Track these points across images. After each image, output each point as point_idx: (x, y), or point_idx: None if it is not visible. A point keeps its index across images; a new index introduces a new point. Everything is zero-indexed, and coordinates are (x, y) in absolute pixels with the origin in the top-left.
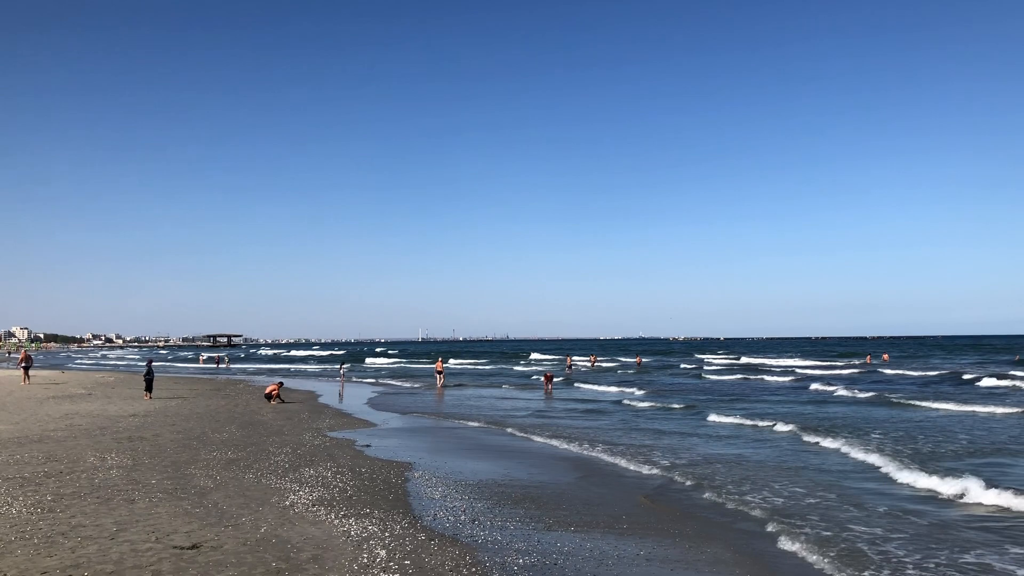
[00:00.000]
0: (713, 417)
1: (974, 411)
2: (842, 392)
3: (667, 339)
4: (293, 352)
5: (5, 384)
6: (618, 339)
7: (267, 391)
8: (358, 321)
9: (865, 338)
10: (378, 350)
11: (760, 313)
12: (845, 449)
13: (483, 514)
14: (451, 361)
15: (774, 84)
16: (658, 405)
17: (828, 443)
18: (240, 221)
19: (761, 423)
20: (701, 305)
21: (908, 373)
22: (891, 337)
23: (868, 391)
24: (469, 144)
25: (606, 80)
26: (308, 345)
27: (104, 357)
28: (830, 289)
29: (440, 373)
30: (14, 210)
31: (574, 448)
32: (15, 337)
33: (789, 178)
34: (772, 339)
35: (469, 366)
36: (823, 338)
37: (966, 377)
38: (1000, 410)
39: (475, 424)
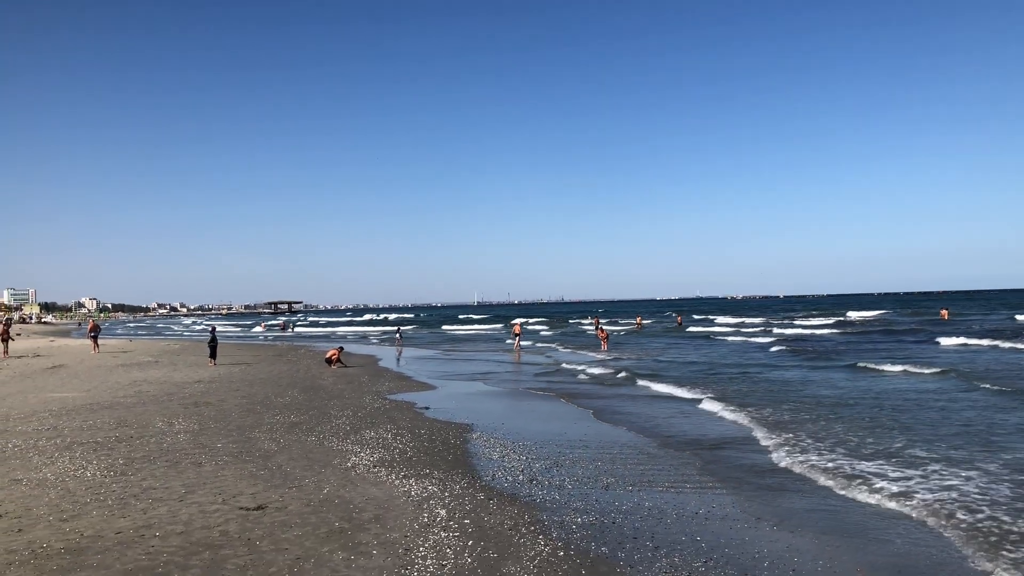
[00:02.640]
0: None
1: (903, 371)
2: (787, 353)
3: (725, 298)
4: (318, 318)
5: (77, 353)
6: (675, 299)
7: (327, 356)
8: (414, 286)
9: (934, 292)
10: (398, 316)
11: (836, 268)
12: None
13: (541, 474)
14: (464, 327)
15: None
16: (598, 372)
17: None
18: (298, 191)
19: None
20: (765, 262)
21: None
22: (969, 292)
23: (812, 352)
24: (520, 109)
25: (666, 40)
26: (365, 311)
27: (138, 326)
28: (918, 242)
29: (518, 335)
30: (82, 186)
31: (627, 410)
32: (85, 307)
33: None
34: (835, 295)
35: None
36: (887, 294)
37: (941, 338)
38: (927, 371)
39: (531, 386)
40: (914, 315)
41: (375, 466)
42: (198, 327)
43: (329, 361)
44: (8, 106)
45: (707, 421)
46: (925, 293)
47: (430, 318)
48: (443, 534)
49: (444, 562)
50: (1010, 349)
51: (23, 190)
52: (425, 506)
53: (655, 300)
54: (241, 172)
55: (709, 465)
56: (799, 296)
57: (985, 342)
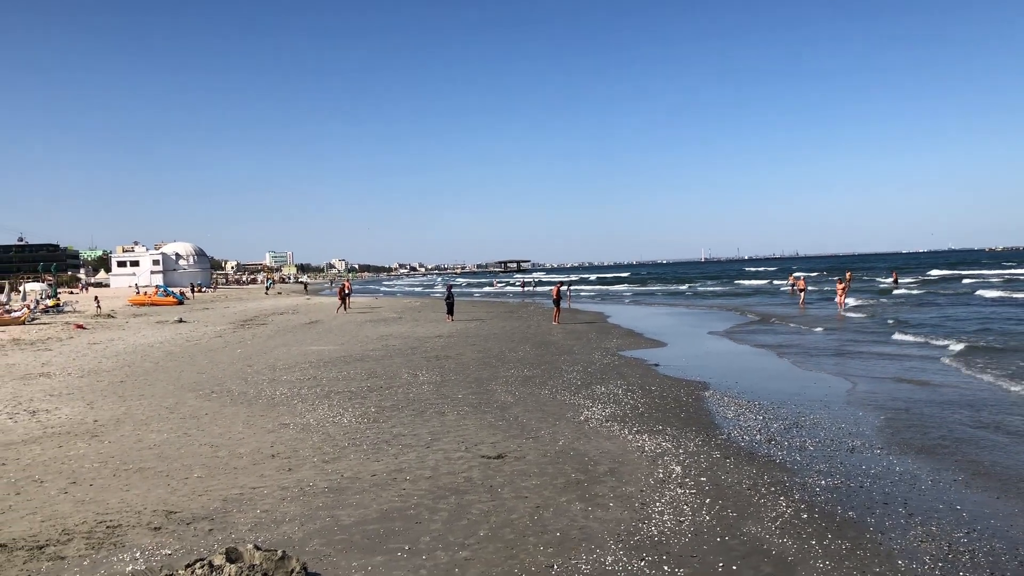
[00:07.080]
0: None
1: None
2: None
3: (981, 249)
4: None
5: (329, 310)
6: (922, 252)
7: (553, 295)
8: (637, 243)
9: None
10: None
11: None
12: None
13: (779, 434)
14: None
15: None
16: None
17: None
18: (527, 154)
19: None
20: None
21: None
22: None
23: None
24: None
25: None
26: (590, 269)
27: (380, 285)
28: None
29: (803, 291)
30: (334, 163)
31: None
32: (335, 268)
33: None
34: None
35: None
36: None
37: None
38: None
39: (765, 343)
40: None
41: (607, 420)
42: (438, 285)
43: (556, 303)
44: (287, 97)
45: (955, 378)
46: None
47: (656, 275)
48: (679, 491)
49: (681, 519)
50: None
51: (282, 167)
52: (659, 462)
53: (900, 253)
54: (471, 143)
55: (968, 429)
56: None
57: None
